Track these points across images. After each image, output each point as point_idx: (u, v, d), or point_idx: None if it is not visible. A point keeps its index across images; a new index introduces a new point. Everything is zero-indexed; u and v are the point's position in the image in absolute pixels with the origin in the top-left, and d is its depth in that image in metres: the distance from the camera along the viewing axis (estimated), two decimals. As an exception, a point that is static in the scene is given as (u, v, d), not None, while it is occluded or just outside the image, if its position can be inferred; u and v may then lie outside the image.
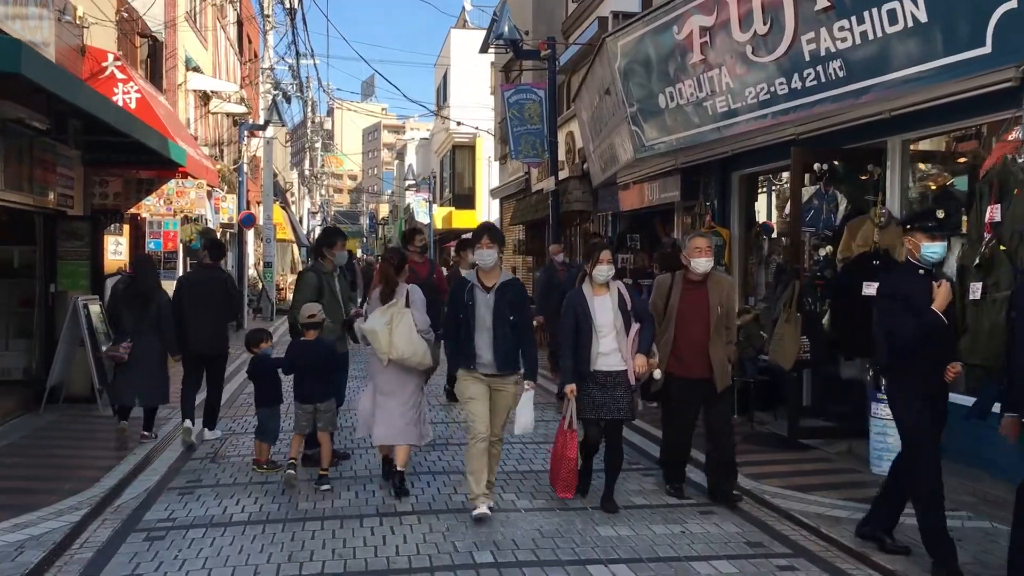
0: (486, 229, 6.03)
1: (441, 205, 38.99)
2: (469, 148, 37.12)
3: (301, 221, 49.13)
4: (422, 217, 37.88)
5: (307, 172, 51.43)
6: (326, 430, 6.79)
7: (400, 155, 63.87)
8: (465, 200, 37.27)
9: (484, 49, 17.26)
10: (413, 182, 45.47)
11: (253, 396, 7.49)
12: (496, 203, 28.82)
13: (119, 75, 11.04)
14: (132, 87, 11.09)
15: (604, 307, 6.03)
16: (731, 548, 5.31)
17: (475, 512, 5.75)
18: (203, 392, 8.48)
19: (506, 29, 13.85)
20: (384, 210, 78.64)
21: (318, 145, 50.17)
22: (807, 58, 7.27)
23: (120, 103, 11.00)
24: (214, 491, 6.61)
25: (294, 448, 6.80)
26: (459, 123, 34.34)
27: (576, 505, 6.15)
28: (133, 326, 8.19)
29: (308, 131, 44.30)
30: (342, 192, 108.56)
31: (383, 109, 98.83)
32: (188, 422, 8.24)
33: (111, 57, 11.24)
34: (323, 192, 69.43)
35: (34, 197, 9.48)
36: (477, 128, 28.39)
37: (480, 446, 5.80)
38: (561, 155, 15.66)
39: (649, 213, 14.13)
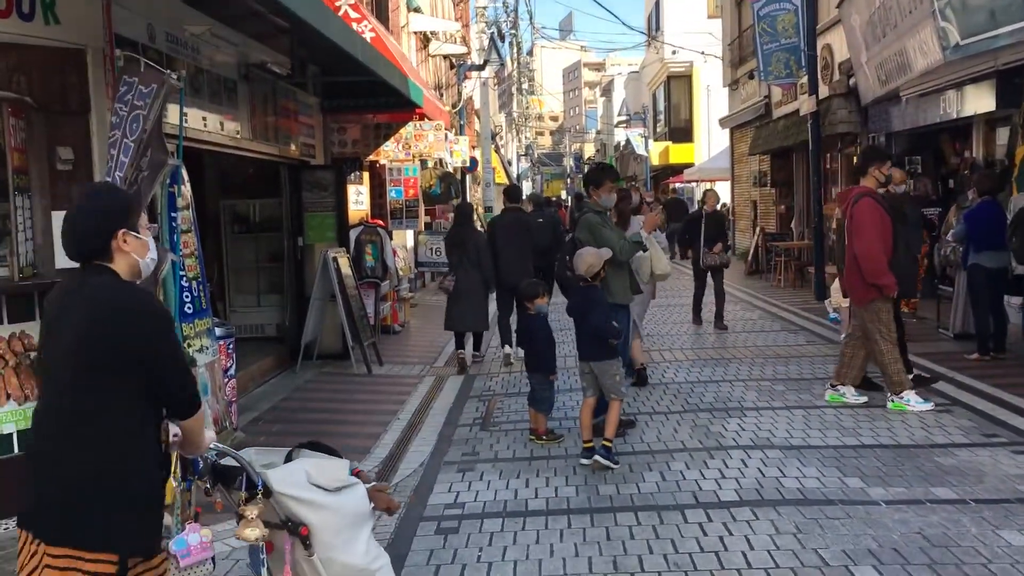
0: None
1: (656, 140, 37.30)
2: (685, 78, 35.11)
3: (510, 164, 48.89)
4: (641, 152, 36.39)
5: (515, 114, 50.99)
6: (609, 396, 5.83)
7: (606, 92, 62.24)
8: (682, 133, 35.42)
9: (729, -43, 15.57)
10: (624, 118, 43.93)
11: (524, 359, 6.70)
12: (722, 134, 26.88)
13: (352, 14, 10.44)
14: (366, 25, 10.47)
15: None
16: None
17: None
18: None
19: (756, -70, 12.16)
20: (589, 150, 77.46)
21: (525, 87, 49.49)
22: None
23: (355, 43, 10.41)
24: (495, 467, 5.82)
25: (583, 417, 5.90)
26: (675, 51, 32.50)
27: (950, 496, 4.84)
28: (457, 263, 9.30)
29: (516, 71, 43.64)
30: (544, 134, 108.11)
31: (582, 47, 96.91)
32: (507, 347, 9.41)
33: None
34: (528, 135, 69.04)
35: (279, 147, 9.08)
36: (704, 52, 26.45)
37: None
38: (815, 72, 13.82)
39: (933, 132, 12.17)
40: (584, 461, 5.71)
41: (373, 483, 3.20)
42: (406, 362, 9.95)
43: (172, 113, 5.83)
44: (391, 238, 11.70)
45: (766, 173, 18.62)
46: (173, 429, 2.70)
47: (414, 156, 12.29)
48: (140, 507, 2.52)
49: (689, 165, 32.58)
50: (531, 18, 48.42)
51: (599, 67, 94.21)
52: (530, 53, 77.20)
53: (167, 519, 2.85)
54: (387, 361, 9.77)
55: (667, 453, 5.93)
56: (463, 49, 20.80)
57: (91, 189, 2.85)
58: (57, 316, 2.58)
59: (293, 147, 9.53)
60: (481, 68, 21.59)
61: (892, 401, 6.76)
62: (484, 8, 23.63)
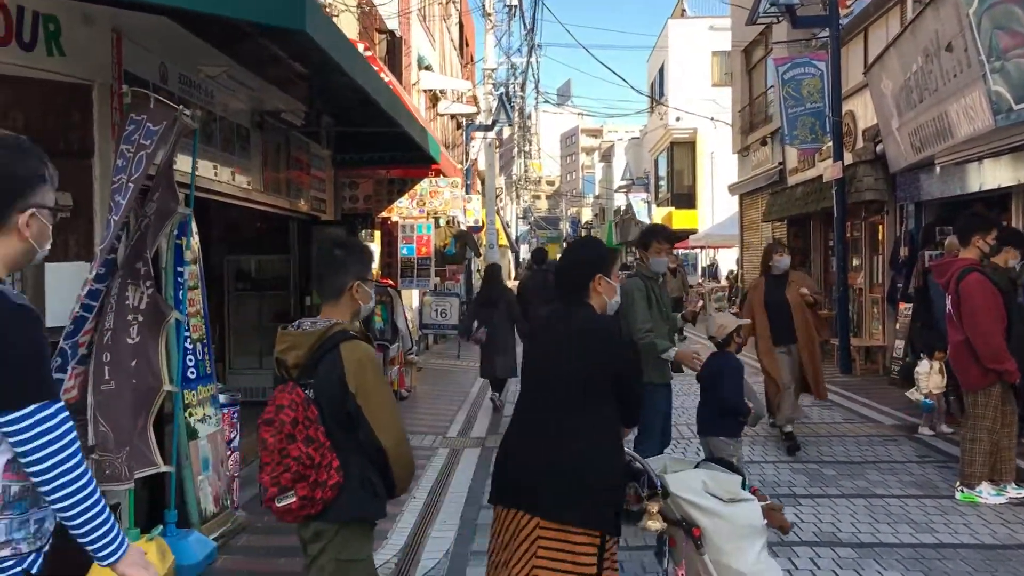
0: None
1: (658, 205, 37.08)
2: (689, 144, 35.02)
3: (508, 226, 48.65)
4: (643, 217, 36.14)
5: (515, 176, 50.99)
6: None
7: (606, 157, 62.47)
8: (685, 199, 35.19)
9: (751, 20, 15.33)
10: (625, 183, 43.87)
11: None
12: (726, 200, 26.61)
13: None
14: (384, 77, 10.03)
15: None
16: None
17: None
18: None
19: (782, -7, 11.89)
20: (587, 214, 77.58)
21: (527, 149, 49.54)
22: None
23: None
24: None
25: None
26: (679, 118, 32.49)
27: None
28: (488, 318, 10.10)
29: (520, 134, 43.66)
30: (540, 198, 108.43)
31: (580, 114, 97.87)
32: None
33: (361, 47, 10.25)
34: (527, 198, 69.08)
35: (290, 200, 8.57)
36: (714, 119, 26.25)
37: None
38: (837, 138, 13.44)
39: (965, 202, 11.73)
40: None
41: (768, 502, 3.45)
42: (416, 431, 9.28)
43: (182, 160, 5.31)
44: (401, 298, 11.15)
45: (781, 240, 18.16)
46: None
47: (428, 213, 11.79)
48: (617, 494, 3.14)
49: (693, 231, 32.28)
50: (536, 83, 48.55)
51: (596, 133, 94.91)
52: (529, 116, 77.77)
53: None
54: (396, 431, 9.13)
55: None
56: (473, 109, 20.52)
57: (578, 240, 3.69)
58: (549, 341, 3.31)
59: (303, 201, 9.02)
60: (489, 128, 21.32)
61: (961, 492, 6.15)
62: (493, 70, 23.42)
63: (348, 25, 11.43)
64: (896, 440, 8.23)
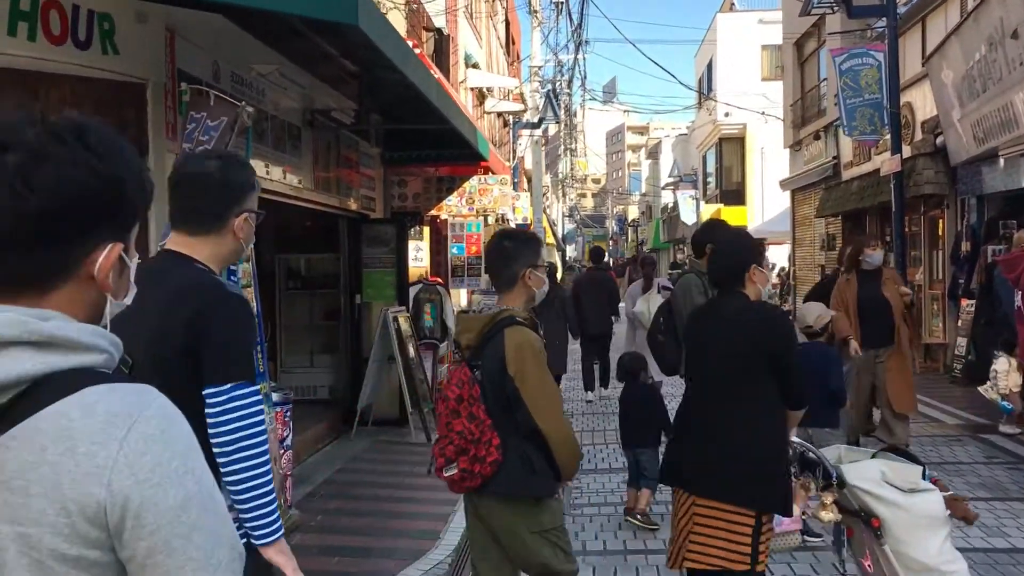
0: None
1: (707, 202, 36.65)
2: (738, 140, 34.53)
3: (555, 225, 48.47)
4: (687, 216, 35.73)
5: (561, 175, 50.82)
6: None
7: (653, 154, 61.96)
8: (734, 196, 34.70)
9: (806, 11, 15.03)
10: (672, 180, 43.46)
11: (619, 433, 6.00)
12: (777, 197, 26.17)
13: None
14: (433, 74, 10.00)
15: None
16: None
17: None
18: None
19: (838, -17, 11.61)
20: (633, 212, 77.04)
21: (573, 147, 49.32)
22: None
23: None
24: (587, 562, 5.07)
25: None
26: (727, 113, 32.10)
27: None
28: (542, 314, 10.16)
29: (566, 132, 43.51)
30: (586, 196, 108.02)
31: (626, 111, 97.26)
32: (588, 393, 10.85)
33: (409, 44, 10.22)
34: (573, 196, 68.76)
35: (340, 199, 8.57)
36: (765, 113, 25.85)
37: None
38: (893, 130, 13.10)
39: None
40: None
41: (951, 492, 3.43)
42: (467, 431, 9.25)
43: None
44: (450, 296, 11.11)
45: (835, 236, 17.81)
46: None
47: (478, 211, 11.75)
48: (774, 474, 3.17)
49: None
50: (583, 79, 48.33)
51: (643, 130, 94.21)
52: (575, 114, 77.18)
53: None
54: (447, 429, 9.10)
55: (785, 551, 5.13)
56: (520, 106, 20.44)
57: (731, 232, 3.87)
58: (708, 330, 3.45)
59: (353, 200, 9.02)
60: (536, 126, 21.22)
61: (1035, 494, 5.93)
62: (540, 67, 23.34)
63: (396, 23, 11.41)
64: (960, 440, 7.98)
